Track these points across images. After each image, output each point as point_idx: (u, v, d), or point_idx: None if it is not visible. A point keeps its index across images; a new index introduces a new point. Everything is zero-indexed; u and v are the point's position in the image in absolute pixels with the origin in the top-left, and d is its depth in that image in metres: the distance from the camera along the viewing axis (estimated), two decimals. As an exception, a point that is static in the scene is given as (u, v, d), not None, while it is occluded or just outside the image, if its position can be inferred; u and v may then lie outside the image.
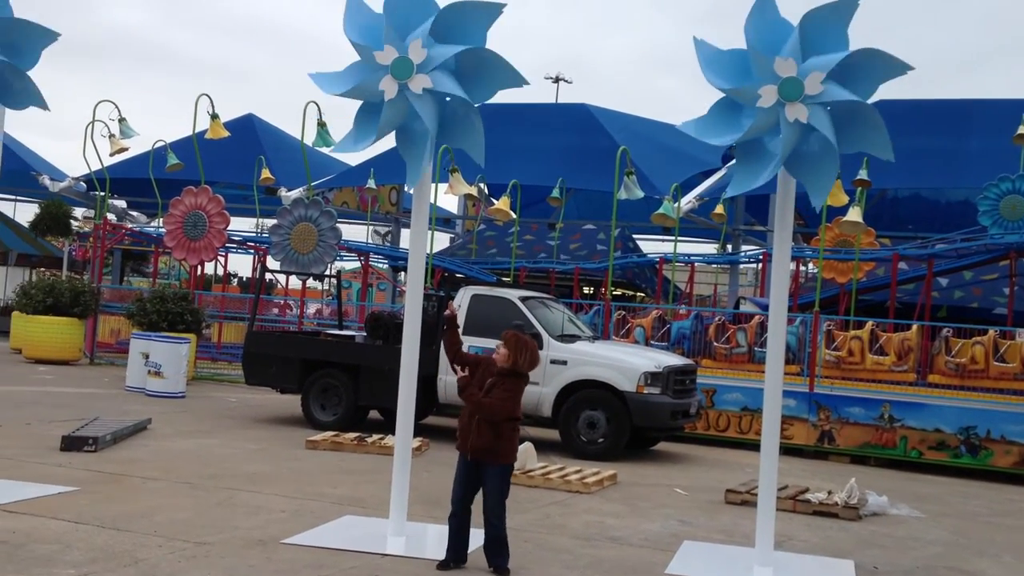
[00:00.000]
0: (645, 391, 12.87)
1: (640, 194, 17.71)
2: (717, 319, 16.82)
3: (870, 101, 7.03)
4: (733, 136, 7.27)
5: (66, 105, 51.50)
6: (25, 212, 37.60)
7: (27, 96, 8.27)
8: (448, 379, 12.90)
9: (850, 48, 6.91)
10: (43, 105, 8.32)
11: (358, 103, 7.70)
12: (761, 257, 23.72)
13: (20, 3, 8.00)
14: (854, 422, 14.68)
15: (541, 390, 13.08)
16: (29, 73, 8.22)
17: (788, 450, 13.99)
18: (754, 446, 12.95)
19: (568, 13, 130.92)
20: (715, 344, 16.22)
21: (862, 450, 14.63)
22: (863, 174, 16.09)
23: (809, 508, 10.25)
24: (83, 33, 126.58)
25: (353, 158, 30.48)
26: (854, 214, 16.15)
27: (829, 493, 10.58)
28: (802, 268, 25.94)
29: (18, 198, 36.13)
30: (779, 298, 7.97)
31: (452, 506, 7.07)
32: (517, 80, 7.44)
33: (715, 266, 28.87)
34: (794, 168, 7.28)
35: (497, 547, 6.99)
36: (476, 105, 7.46)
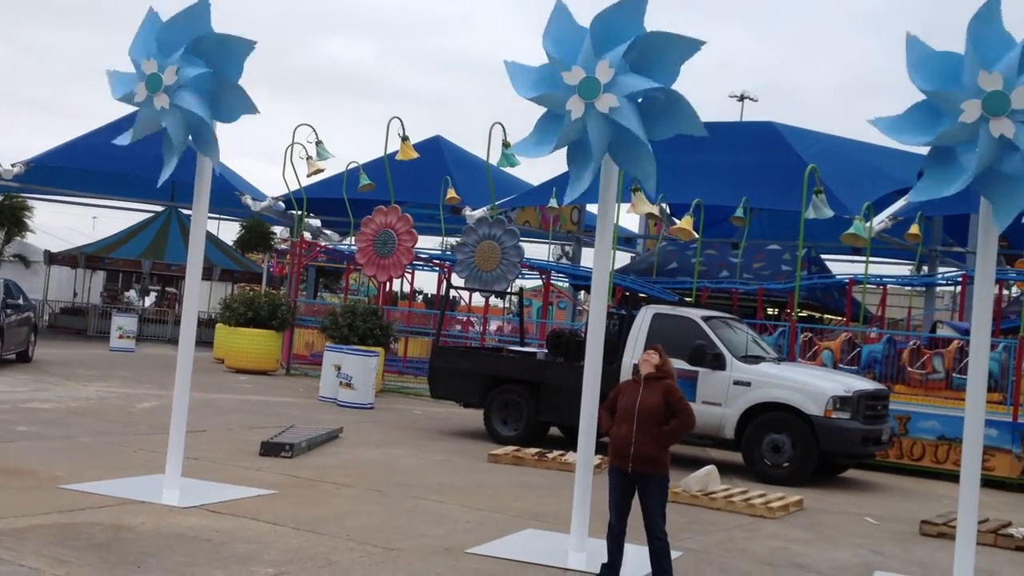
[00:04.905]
0: (834, 415, 12.46)
1: (829, 213, 17.17)
2: (912, 343, 16.12)
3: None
4: (925, 138, 6.99)
5: (270, 131, 54.46)
6: (227, 230, 39.90)
7: (239, 106, 8.77)
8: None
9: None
10: (253, 109, 8.80)
11: (540, 111, 7.82)
12: (960, 279, 22.62)
13: (244, 33, 8.54)
14: (1063, 455, 13.76)
15: (724, 411, 12.86)
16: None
17: (989, 482, 13.19)
18: (951, 477, 12.39)
19: (769, 39, 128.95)
20: (909, 369, 15.55)
21: (1072, 486, 13.69)
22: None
23: (1012, 543, 9.67)
24: (293, 65, 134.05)
25: (535, 177, 30.88)
26: (1064, 234, 15.20)
27: (1035, 529, 9.96)
28: (1005, 291, 24.52)
29: (221, 217, 38.29)
30: (982, 322, 7.59)
31: (611, 521, 6.99)
32: (697, 128, 7.41)
33: (909, 288, 27.67)
34: (984, 186, 6.92)
35: (666, 562, 6.84)
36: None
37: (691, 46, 7.30)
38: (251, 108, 8.77)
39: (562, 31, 7.57)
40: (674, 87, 7.46)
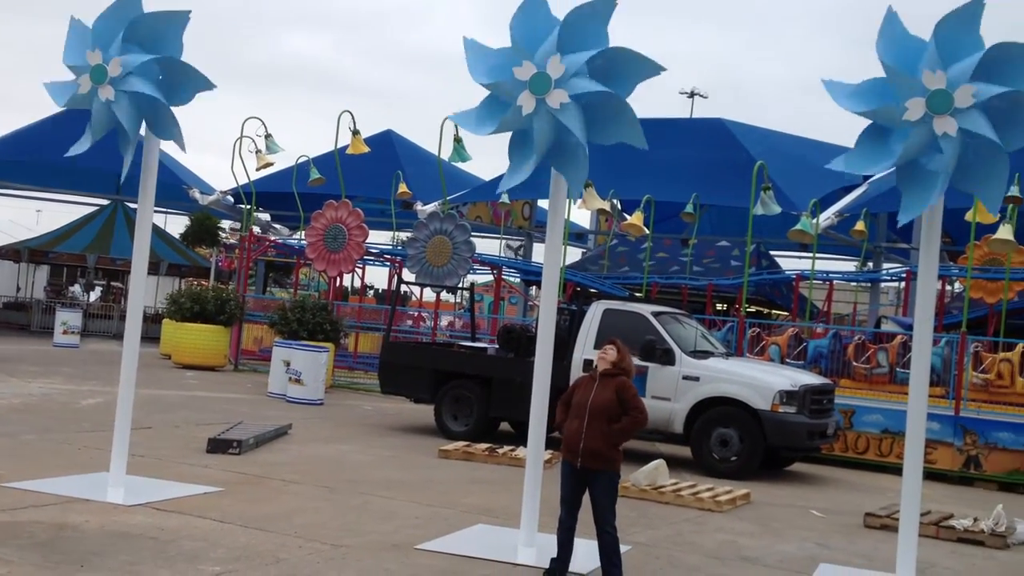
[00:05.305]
0: (780, 410, 12.60)
1: (777, 209, 17.37)
2: (857, 338, 16.35)
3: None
4: (886, 163, 7.09)
5: (218, 122, 53.75)
6: (175, 224, 39.41)
7: (191, 83, 8.54)
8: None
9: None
10: (208, 84, 8.57)
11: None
12: (904, 275, 22.99)
13: (203, 28, 8.38)
14: (1003, 447, 14.04)
15: (673, 406, 12.95)
16: (177, 111, 8.58)
17: (931, 475, 13.47)
18: (895, 470, 12.58)
19: (721, 37, 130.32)
20: (854, 364, 15.77)
21: (1011, 477, 13.97)
22: (1015, 190, 15.43)
23: (953, 535, 9.86)
24: (244, 58, 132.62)
25: (487, 173, 30.88)
26: (1005, 232, 15.50)
27: (975, 520, 10.15)
28: (948, 287, 24.98)
29: (169, 211, 37.80)
30: (924, 317, 7.72)
31: (562, 516, 7.00)
32: (654, 68, 7.36)
33: (855, 284, 28.07)
34: (960, 180, 7.03)
35: (615, 556, 6.87)
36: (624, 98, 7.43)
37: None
38: (205, 84, 8.50)
39: (485, 60, 7.57)
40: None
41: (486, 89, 7.66)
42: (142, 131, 8.72)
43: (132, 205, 32.36)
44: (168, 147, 8.94)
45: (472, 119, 7.77)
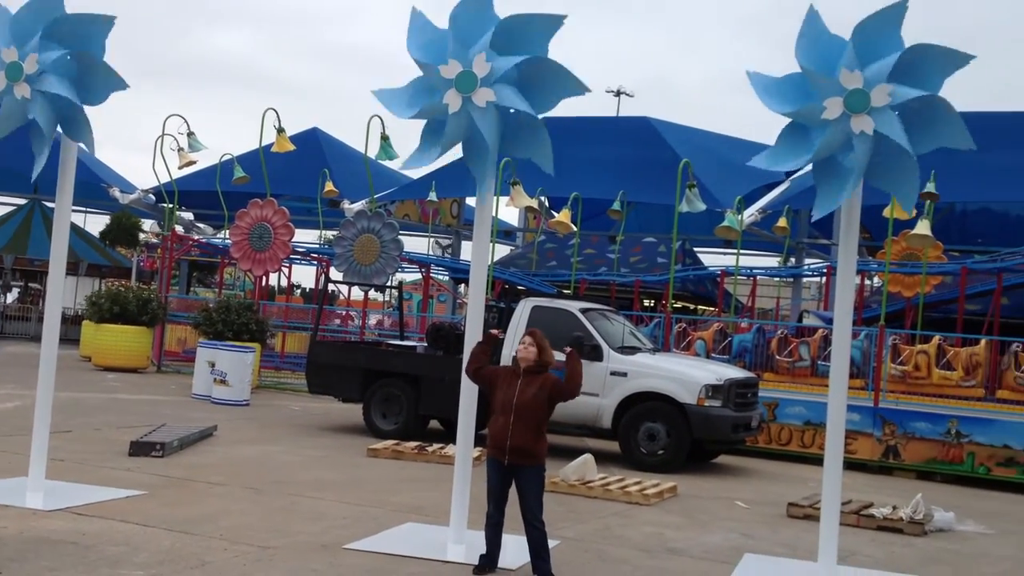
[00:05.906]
0: (706, 404, 12.78)
1: (702, 207, 17.60)
2: (780, 332, 16.64)
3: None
4: (805, 158, 7.21)
5: (141, 120, 52.76)
6: (95, 224, 38.55)
7: (106, 84, 8.33)
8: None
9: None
10: (122, 84, 8.37)
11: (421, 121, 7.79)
12: (825, 270, 23.46)
13: (124, 23, 8.19)
14: (920, 437, 14.42)
15: (601, 402, 13.06)
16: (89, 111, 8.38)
17: (852, 465, 13.75)
18: (817, 460, 12.83)
19: (645, 35, 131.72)
20: (777, 357, 16.05)
21: (928, 466, 14.36)
22: (931, 187, 15.83)
23: (873, 523, 10.10)
24: (168, 54, 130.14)
25: (415, 171, 30.74)
26: (922, 227, 15.90)
27: (894, 508, 10.41)
28: (867, 282, 25.54)
29: (88, 210, 36.95)
30: (844, 311, 7.89)
31: (489, 512, 7.04)
32: (579, 88, 7.41)
33: (778, 279, 28.58)
34: (875, 179, 7.19)
35: (544, 551, 6.92)
36: (541, 117, 7.47)
37: (554, 22, 7.35)
38: (119, 84, 8.28)
39: (424, 36, 7.56)
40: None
41: (417, 66, 7.61)
42: (58, 128, 8.52)
43: (50, 204, 31.55)
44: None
45: (398, 100, 7.71)
